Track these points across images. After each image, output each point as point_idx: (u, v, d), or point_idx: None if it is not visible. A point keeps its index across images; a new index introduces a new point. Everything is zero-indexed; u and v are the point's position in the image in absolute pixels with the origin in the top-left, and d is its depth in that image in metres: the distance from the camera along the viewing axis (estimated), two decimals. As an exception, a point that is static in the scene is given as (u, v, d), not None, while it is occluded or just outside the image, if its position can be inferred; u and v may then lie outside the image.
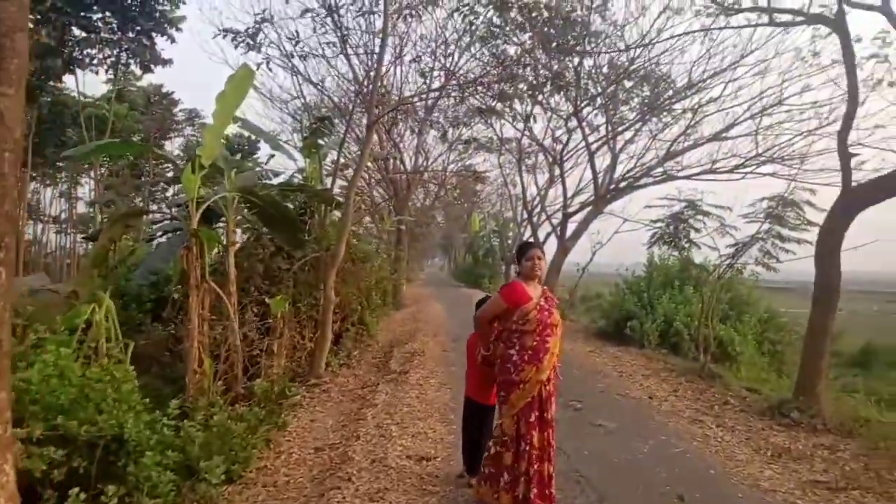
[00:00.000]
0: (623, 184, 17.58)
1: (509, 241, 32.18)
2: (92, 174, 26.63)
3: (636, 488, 4.19)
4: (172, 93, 26.36)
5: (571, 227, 19.15)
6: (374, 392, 7.10)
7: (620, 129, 17.79)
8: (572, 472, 4.47)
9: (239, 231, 10.36)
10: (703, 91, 15.51)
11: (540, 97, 18.57)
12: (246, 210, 7.97)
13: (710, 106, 15.58)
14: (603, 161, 18.92)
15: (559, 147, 19.70)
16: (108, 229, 7.56)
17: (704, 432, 5.62)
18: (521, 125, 20.67)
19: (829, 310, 6.02)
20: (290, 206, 10.72)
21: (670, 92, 16.24)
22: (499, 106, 19.67)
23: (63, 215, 34.76)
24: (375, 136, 16.35)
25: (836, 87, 9.93)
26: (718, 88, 15.19)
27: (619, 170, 18.24)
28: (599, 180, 18.22)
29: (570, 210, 19.57)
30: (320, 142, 10.30)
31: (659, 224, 10.06)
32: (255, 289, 8.21)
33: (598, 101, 18.17)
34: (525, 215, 27.23)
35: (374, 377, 8.16)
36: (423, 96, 12.59)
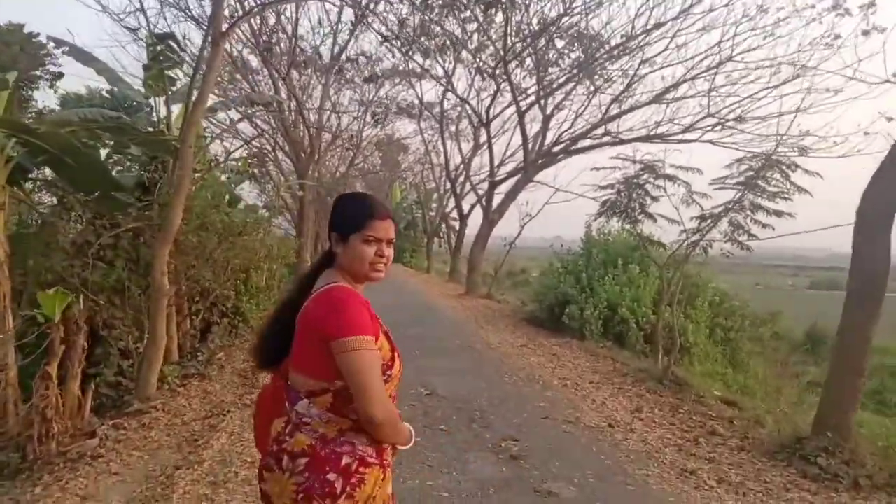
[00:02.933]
0: (556, 148, 15.80)
1: (432, 213, 30.08)
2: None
3: None
4: (36, 35, 21.94)
5: (498, 198, 17.29)
6: (215, 427, 4.78)
7: (552, 89, 15.94)
8: None
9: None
10: (644, 47, 13.88)
11: (462, 49, 16.50)
12: (29, 157, 5.34)
13: (652, 62, 14.02)
14: (532, 126, 17.10)
15: (486, 104, 17.63)
16: None
17: (704, 497, 3.69)
18: (442, 83, 18.54)
19: (872, 308, 4.18)
20: (130, 156, 8.08)
21: (604, 51, 14.54)
22: (419, 62, 17.45)
23: None
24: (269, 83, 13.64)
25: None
26: (660, 45, 13.66)
27: (550, 136, 16.51)
28: (529, 145, 16.38)
29: (498, 178, 17.62)
30: (171, 74, 7.67)
31: (607, 192, 8.06)
32: (53, 274, 5.65)
33: (528, 61, 16.37)
34: (448, 185, 25.19)
35: (232, 395, 5.83)
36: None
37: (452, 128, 23.42)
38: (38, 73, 21.82)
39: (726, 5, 12.18)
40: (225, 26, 5.77)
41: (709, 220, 7.27)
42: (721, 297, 11.17)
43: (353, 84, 20.00)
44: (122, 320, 6.12)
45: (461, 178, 23.31)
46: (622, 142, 13.71)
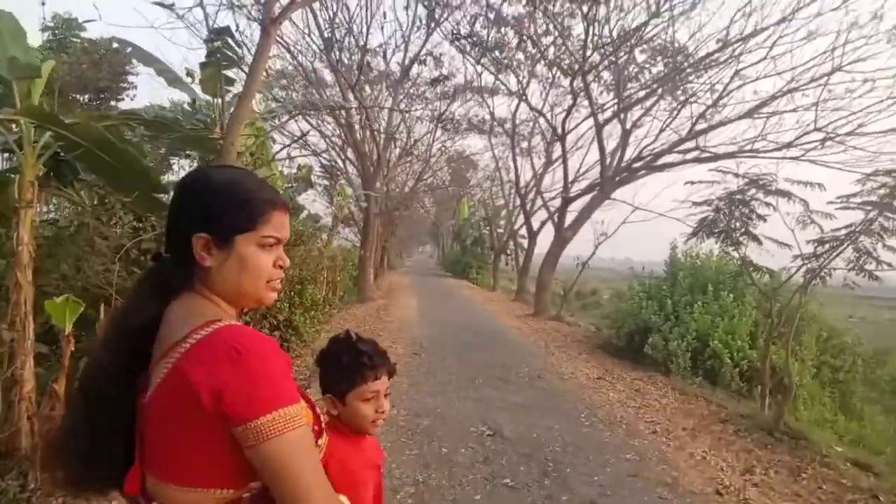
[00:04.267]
0: (637, 164, 14.72)
1: (499, 230, 29.30)
2: None
3: None
4: (126, 49, 22.85)
5: (569, 217, 16.31)
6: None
7: (630, 103, 14.94)
8: None
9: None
10: (739, 56, 12.71)
11: (538, 56, 15.80)
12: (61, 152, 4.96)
13: (743, 76, 12.84)
14: (609, 142, 16.01)
15: (561, 117, 16.74)
16: None
17: None
18: (516, 94, 17.84)
19: None
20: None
21: (689, 63, 13.50)
22: (492, 70, 16.85)
23: None
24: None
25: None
26: (755, 55, 12.46)
27: (630, 152, 15.42)
28: (607, 161, 15.34)
29: (572, 195, 16.66)
30: (230, 74, 7.29)
31: (702, 209, 7.07)
32: (85, 280, 5.24)
33: (605, 76, 15.50)
34: (517, 202, 24.35)
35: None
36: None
37: (524, 144, 22.67)
38: (123, 84, 22.17)
39: (836, 9, 11.00)
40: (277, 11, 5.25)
41: (828, 245, 6.18)
42: (829, 332, 9.80)
43: (424, 99, 19.66)
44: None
45: (531, 195, 22.46)
46: (714, 157, 12.52)
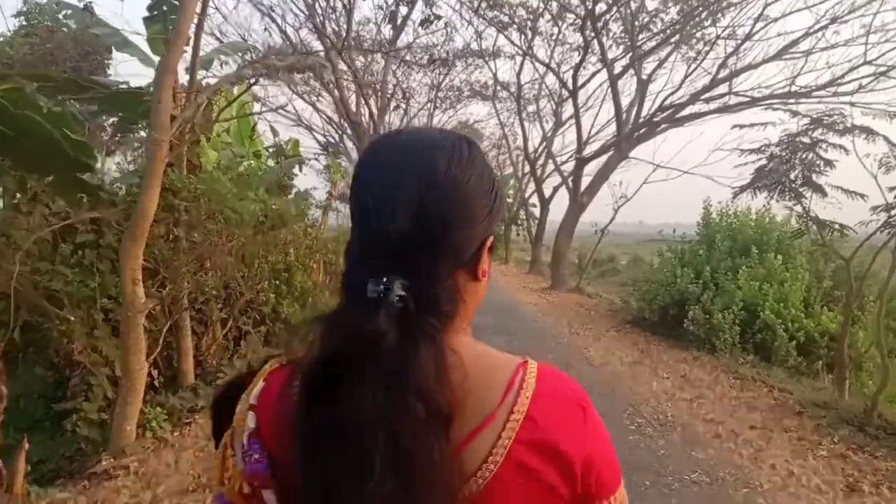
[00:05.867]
0: (659, 117, 13.42)
1: (509, 200, 28.09)
2: None
3: None
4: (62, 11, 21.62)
5: (586, 181, 15.06)
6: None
7: (646, 51, 13.56)
8: None
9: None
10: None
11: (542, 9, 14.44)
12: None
13: (765, 17, 11.43)
14: (624, 97, 14.66)
15: (569, 75, 15.34)
16: None
17: None
18: (521, 49, 16.48)
19: None
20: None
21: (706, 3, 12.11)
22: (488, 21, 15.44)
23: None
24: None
25: None
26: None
27: (648, 105, 14.09)
28: (623, 116, 14.03)
29: (586, 156, 15.39)
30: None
31: (754, 157, 5.89)
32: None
33: (613, 28, 14.09)
34: (527, 168, 23.09)
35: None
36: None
37: (531, 108, 21.26)
38: (95, 63, 20.74)
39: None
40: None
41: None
42: (891, 292, 8.64)
43: (420, 65, 18.27)
44: (105, 340, 4.67)
45: (541, 160, 21.18)
46: (744, 104, 11.25)
